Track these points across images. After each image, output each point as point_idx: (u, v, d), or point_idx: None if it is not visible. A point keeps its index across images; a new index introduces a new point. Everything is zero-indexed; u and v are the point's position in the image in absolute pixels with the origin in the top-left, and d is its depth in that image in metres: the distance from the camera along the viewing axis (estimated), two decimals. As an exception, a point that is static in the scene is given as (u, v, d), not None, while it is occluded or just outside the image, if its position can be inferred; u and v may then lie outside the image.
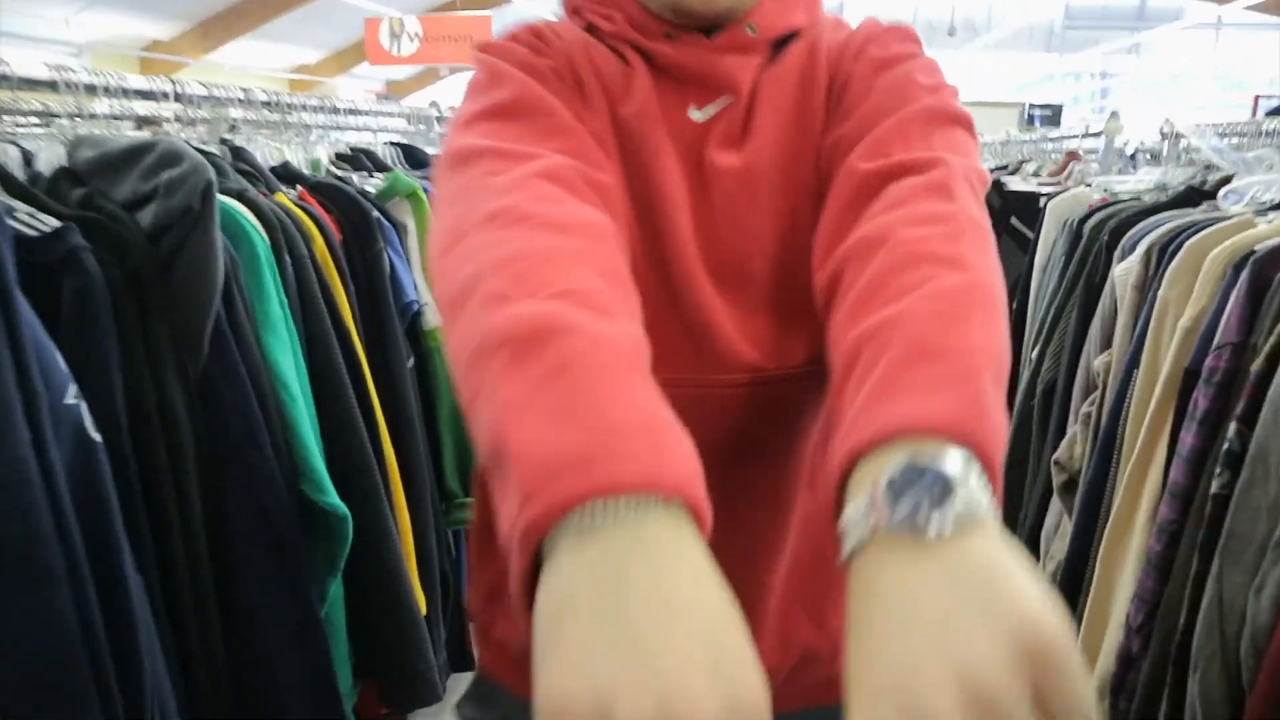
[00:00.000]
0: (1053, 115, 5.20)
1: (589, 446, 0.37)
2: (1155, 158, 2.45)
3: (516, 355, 0.42)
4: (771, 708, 0.54)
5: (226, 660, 1.19)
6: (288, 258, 1.33)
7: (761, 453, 0.70)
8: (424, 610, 1.54)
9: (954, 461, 0.40)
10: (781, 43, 0.70)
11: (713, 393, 0.67)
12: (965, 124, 0.64)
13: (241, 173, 1.42)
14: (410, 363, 1.64)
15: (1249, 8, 14.60)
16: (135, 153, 1.17)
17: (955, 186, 0.56)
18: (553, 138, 0.60)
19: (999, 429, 0.43)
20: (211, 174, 1.12)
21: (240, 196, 1.30)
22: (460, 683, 2.31)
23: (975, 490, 0.39)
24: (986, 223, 0.57)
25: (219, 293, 1.14)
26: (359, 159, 1.84)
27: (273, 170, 1.54)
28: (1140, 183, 2.08)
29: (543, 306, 0.44)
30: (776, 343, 0.68)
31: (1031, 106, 5.37)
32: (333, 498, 1.27)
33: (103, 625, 0.92)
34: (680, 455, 0.39)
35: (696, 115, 0.67)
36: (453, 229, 0.52)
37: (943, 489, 0.38)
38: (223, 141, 1.56)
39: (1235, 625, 1.17)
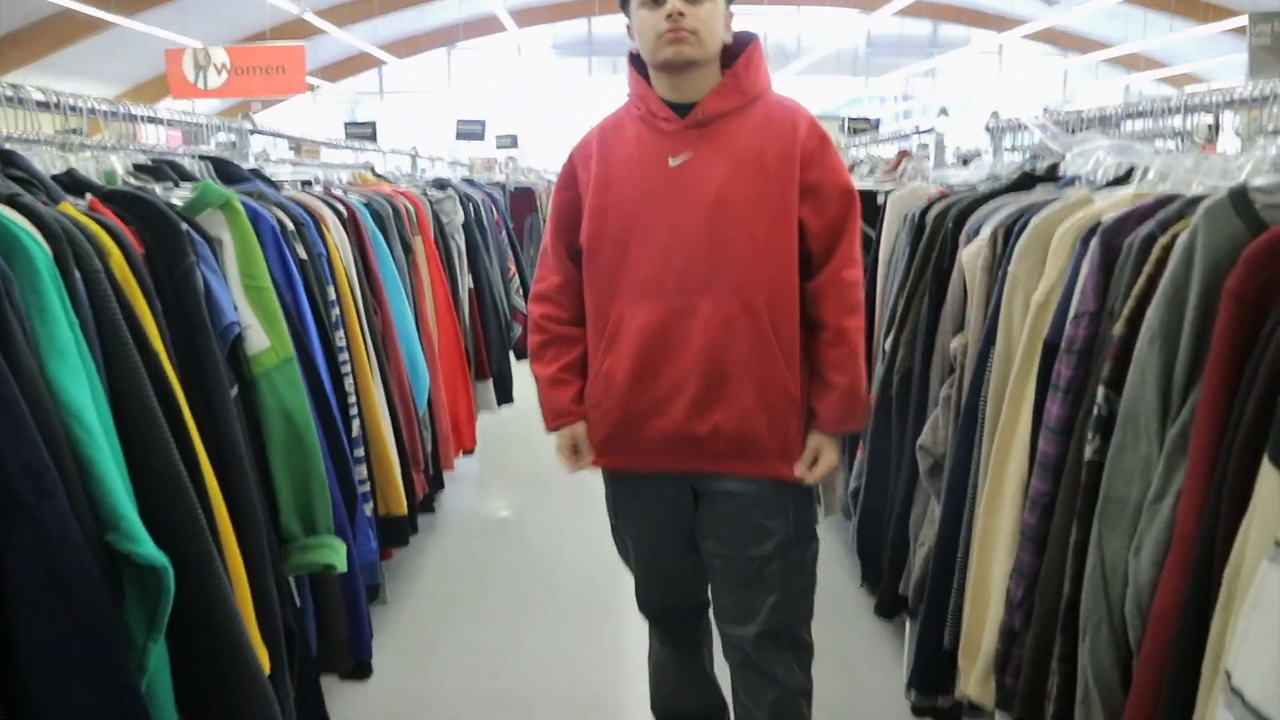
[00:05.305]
0: (871, 126, 5.47)
1: None
2: (977, 157, 2.55)
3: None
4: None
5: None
6: (76, 273, 1.13)
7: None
8: (267, 668, 1.35)
9: None
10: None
11: None
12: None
13: (14, 180, 1.21)
14: (234, 391, 1.45)
15: (1026, 36, 16.20)
16: None
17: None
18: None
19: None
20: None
21: (11, 202, 1.10)
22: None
23: None
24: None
25: (-16, 310, 0.95)
26: (161, 169, 1.64)
27: (55, 179, 1.33)
28: (974, 174, 2.15)
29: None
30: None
31: (849, 119, 5.65)
32: (147, 548, 1.08)
33: None
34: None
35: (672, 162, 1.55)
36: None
37: None
38: (-11, 148, 1.34)
39: (1119, 588, 1.17)
